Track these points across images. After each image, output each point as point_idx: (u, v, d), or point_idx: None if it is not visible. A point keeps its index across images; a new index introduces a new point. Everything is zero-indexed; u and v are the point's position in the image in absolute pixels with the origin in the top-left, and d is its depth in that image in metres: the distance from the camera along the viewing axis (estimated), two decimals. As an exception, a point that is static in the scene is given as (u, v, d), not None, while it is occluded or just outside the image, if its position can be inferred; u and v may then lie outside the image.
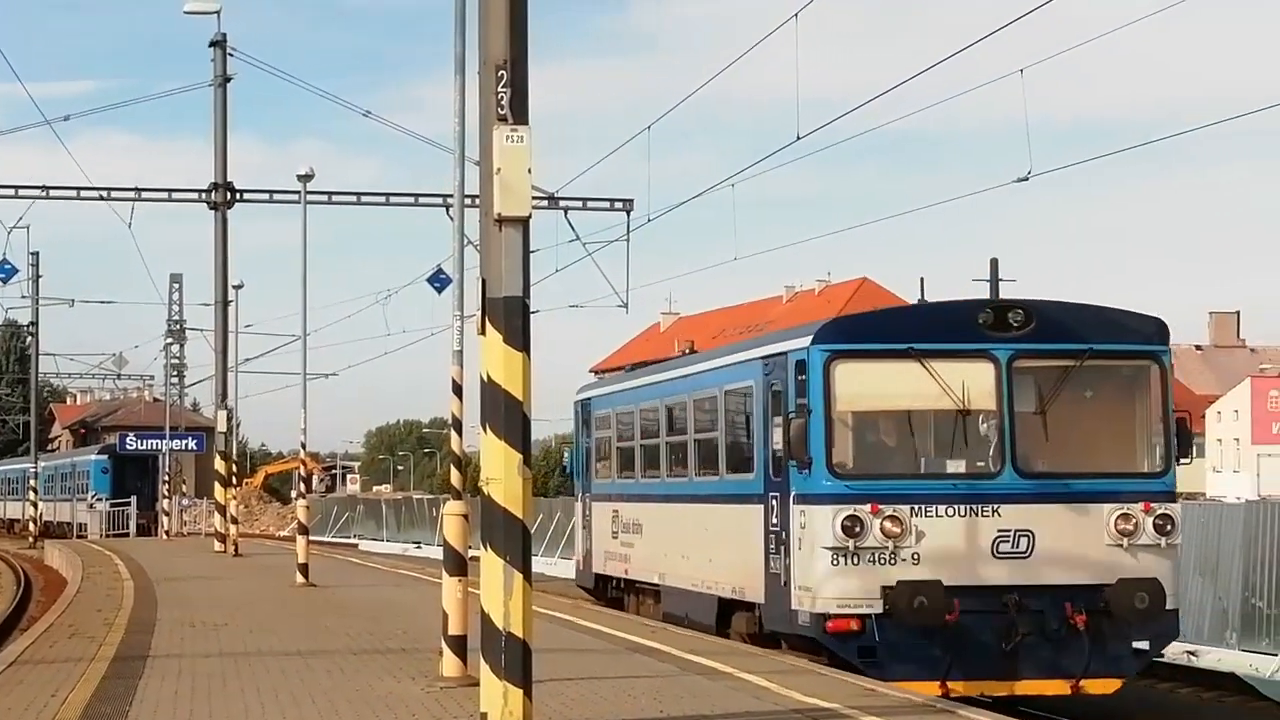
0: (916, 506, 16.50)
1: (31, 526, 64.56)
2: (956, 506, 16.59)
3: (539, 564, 40.69)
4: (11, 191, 41.91)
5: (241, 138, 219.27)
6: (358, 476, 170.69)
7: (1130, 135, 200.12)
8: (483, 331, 10.41)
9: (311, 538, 31.30)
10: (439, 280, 38.71)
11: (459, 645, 14.22)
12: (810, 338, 17.15)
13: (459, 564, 14.45)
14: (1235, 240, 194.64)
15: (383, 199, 43.45)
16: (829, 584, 16.52)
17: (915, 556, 16.41)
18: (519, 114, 10.38)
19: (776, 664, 16.08)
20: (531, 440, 10.60)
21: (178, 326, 68.93)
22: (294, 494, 37.58)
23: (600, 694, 13.62)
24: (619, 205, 40.99)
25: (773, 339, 19.11)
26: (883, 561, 16.38)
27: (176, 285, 69.03)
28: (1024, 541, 16.65)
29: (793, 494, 17.12)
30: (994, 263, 17.46)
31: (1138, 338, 17.58)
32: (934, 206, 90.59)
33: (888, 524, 16.37)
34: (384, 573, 34.25)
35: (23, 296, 60.82)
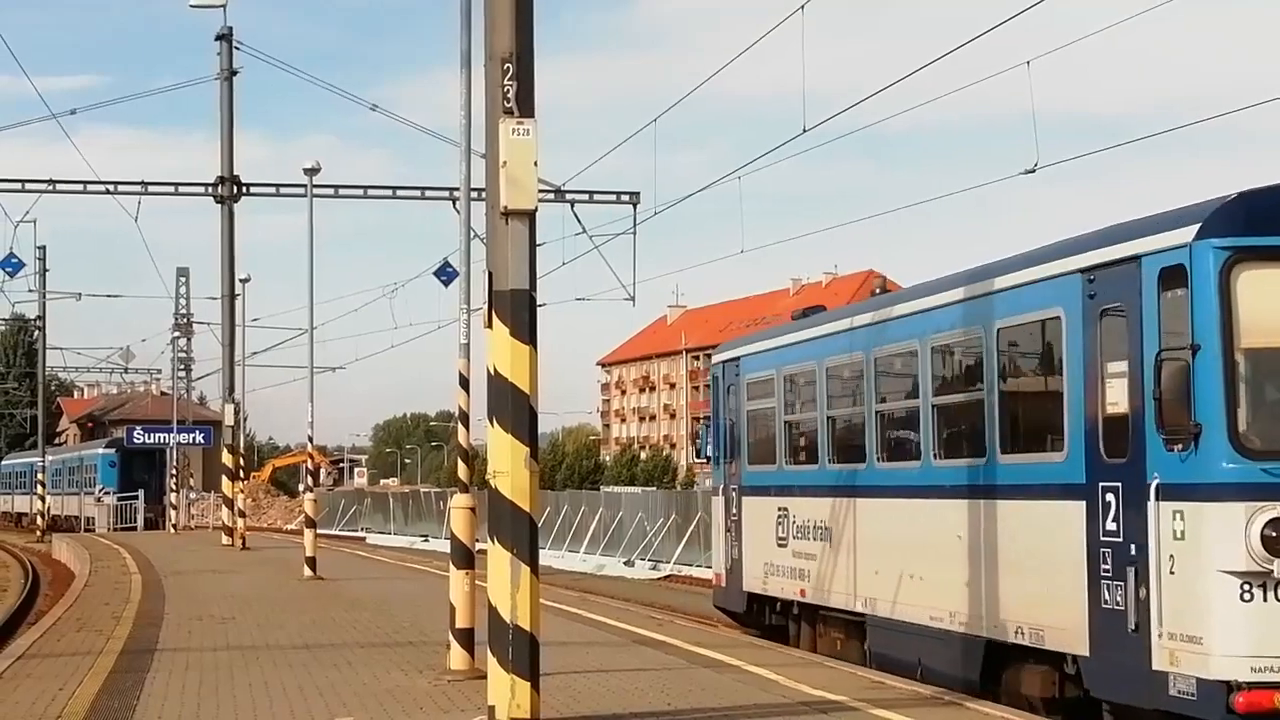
0: None
1: (39, 520, 64.69)
2: None
3: (546, 557, 40.80)
4: (18, 185, 41.91)
5: (247, 133, 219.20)
6: (365, 470, 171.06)
7: (1136, 128, 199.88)
8: (489, 325, 10.42)
9: (319, 531, 31.31)
10: (446, 274, 38.69)
11: (466, 638, 14.22)
12: (1195, 229, 11.20)
13: (466, 557, 14.45)
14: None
15: (389, 192, 43.46)
16: (1237, 633, 10.87)
17: None
18: (525, 107, 10.37)
19: (784, 657, 16.03)
20: (539, 433, 10.61)
21: (185, 320, 69.06)
22: (301, 487, 37.61)
23: (607, 687, 13.60)
24: (625, 198, 40.97)
25: (1102, 238, 12.54)
26: None
27: (183, 279, 69.18)
28: None
29: (1155, 483, 11.43)
30: None
31: None
32: (941, 199, 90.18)
33: None
34: (391, 566, 34.31)
35: (30, 290, 60.92)
